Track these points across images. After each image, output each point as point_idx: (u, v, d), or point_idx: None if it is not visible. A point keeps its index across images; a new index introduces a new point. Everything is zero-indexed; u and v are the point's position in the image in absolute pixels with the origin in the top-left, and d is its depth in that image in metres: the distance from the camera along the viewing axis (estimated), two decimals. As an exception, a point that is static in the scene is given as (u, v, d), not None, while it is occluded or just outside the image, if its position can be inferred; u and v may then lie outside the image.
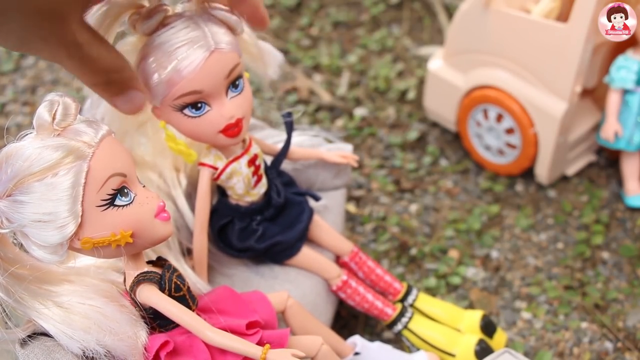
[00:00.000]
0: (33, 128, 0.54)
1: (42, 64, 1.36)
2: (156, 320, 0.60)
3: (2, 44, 0.53)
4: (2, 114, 1.26)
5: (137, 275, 0.59)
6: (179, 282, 0.60)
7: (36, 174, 0.51)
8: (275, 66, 0.78)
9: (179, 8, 0.67)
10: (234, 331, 0.61)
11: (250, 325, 0.63)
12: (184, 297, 0.60)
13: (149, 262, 0.61)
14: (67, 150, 0.52)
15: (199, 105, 0.66)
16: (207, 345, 0.59)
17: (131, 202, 0.56)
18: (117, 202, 0.55)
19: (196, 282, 0.72)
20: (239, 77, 0.68)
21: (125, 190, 0.56)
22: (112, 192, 0.54)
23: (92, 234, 0.54)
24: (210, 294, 0.66)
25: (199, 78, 0.64)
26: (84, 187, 0.53)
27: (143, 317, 0.59)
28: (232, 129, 0.68)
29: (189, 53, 0.63)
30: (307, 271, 0.79)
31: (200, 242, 0.74)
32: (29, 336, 0.58)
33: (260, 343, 0.62)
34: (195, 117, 0.67)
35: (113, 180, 0.54)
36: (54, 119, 0.53)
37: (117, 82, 0.59)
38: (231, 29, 0.67)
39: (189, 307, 0.61)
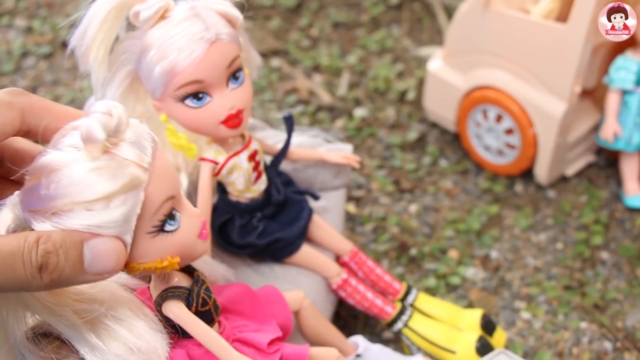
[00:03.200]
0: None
1: (42, 64, 1.36)
2: (176, 329, 0.58)
3: None
4: (3, 115, 1.26)
5: (166, 289, 0.57)
6: (206, 297, 0.58)
7: (85, 204, 0.46)
8: (256, 68, 0.80)
9: (179, 1, 0.68)
10: (254, 347, 0.61)
11: (271, 342, 0.62)
12: (209, 310, 0.59)
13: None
14: (123, 180, 0.47)
15: (200, 95, 0.67)
16: None
17: (178, 226, 0.52)
18: (167, 227, 0.51)
19: (223, 271, 0.71)
20: (240, 69, 0.69)
21: (173, 213, 0.52)
22: (163, 217, 0.50)
23: (139, 261, 0.51)
24: (229, 291, 0.65)
25: (201, 68, 0.65)
26: (137, 217, 0.48)
27: (165, 326, 0.58)
28: (233, 120, 0.69)
29: (190, 43, 0.64)
30: (307, 270, 0.80)
31: None
32: (35, 335, 0.54)
33: None
34: (196, 107, 0.68)
35: (166, 205, 0.50)
36: (107, 136, 0.46)
37: (53, 267, 0.48)
38: (230, 22, 0.68)
39: (213, 319, 0.59)
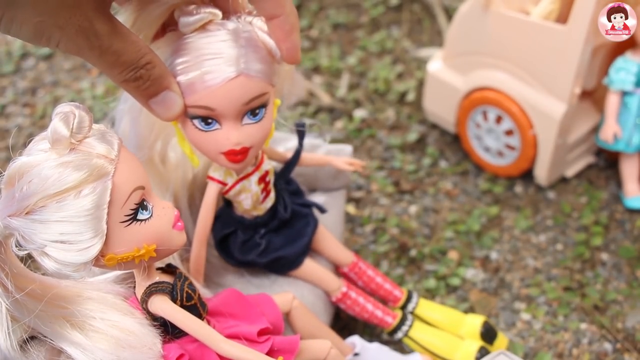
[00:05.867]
0: (46, 140, 0.51)
1: (42, 65, 1.36)
2: (166, 329, 0.59)
3: (18, 35, 0.50)
4: (3, 116, 1.26)
5: (149, 286, 0.58)
6: (190, 291, 0.59)
7: (56, 195, 0.48)
8: (295, 96, 0.77)
9: (228, 22, 0.63)
10: (245, 338, 0.61)
11: (261, 332, 0.62)
12: (195, 305, 0.60)
13: (158, 269, 0.60)
14: (90, 169, 0.49)
15: (210, 120, 0.63)
16: (218, 355, 0.58)
17: (151, 215, 0.54)
18: (140, 216, 0.53)
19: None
20: (262, 106, 0.65)
21: (145, 203, 0.54)
22: (134, 206, 0.53)
23: (116, 250, 0.52)
24: (218, 297, 0.66)
25: (216, 96, 0.61)
26: (108, 205, 0.50)
27: (155, 326, 0.58)
28: (236, 155, 0.65)
29: (216, 68, 0.61)
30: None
31: (198, 253, 0.72)
32: (27, 339, 0.55)
33: (271, 350, 0.61)
34: (202, 130, 0.64)
35: (135, 194, 0.52)
36: (71, 132, 0.50)
37: (146, 78, 0.57)
38: (271, 55, 0.64)
39: (200, 315, 0.60)
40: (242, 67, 0.61)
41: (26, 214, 0.49)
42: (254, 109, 0.64)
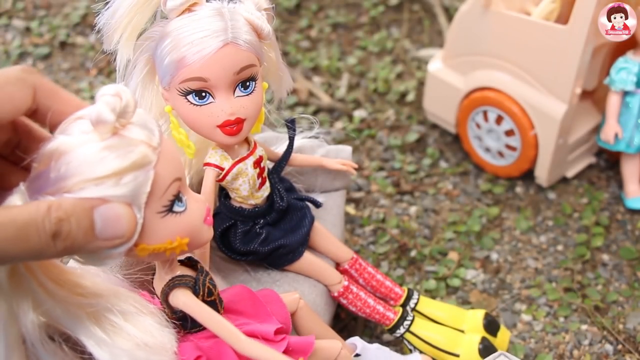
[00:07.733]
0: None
1: (40, 65, 1.35)
2: (183, 323, 0.59)
3: None
4: (1, 116, 1.25)
5: (172, 278, 0.57)
6: (211, 287, 0.59)
7: (96, 180, 0.46)
8: (285, 90, 0.80)
9: (212, 0, 0.68)
10: (262, 337, 0.61)
11: (277, 332, 0.62)
12: (215, 301, 0.59)
13: (178, 261, 0.60)
14: (134, 156, 0.48)
15: (203, 94, 0.66)
16: (236, 352, 0.58)
17: (185, 208, 0.53)
18: (175, 208, 0.52)
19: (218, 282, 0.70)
20: (252, 78, 0.68)
21: (180, 196, 0.53)
22: (172, 198, 0.51)
23: (149, 241, 0.51)
24: (228, 292, 0.66)
25: (207, 65, 0.64)
26: (147, 195, 0.49)
27: (172, 319, 0.58)
28: (231, 127, 0.68)
29: (204, 40, 0.64)
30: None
31: None
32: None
33: (286, 350, 0.61)
34: (197, 105, 0.67)
35: (174, 185, 0.51)
36: (116, 117, 0.47)
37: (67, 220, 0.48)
38: (256, 32, 0.68)
39: (218, 310, 0.60)
40: (230, 37, 0.65)
41: (62, 193, 0.46)
42: (244, 81, 0.67)
